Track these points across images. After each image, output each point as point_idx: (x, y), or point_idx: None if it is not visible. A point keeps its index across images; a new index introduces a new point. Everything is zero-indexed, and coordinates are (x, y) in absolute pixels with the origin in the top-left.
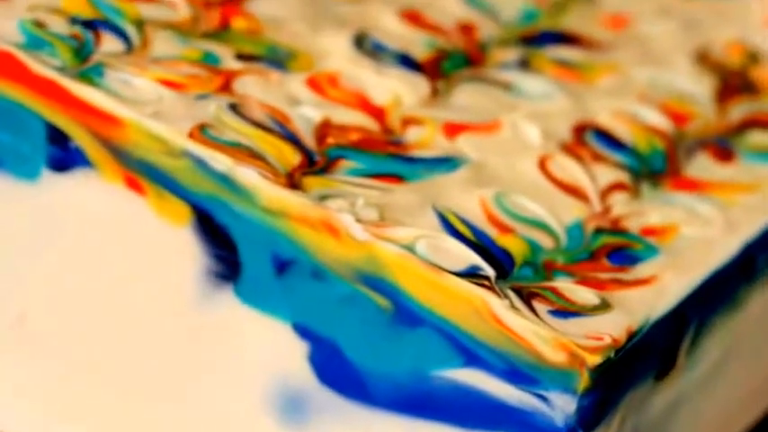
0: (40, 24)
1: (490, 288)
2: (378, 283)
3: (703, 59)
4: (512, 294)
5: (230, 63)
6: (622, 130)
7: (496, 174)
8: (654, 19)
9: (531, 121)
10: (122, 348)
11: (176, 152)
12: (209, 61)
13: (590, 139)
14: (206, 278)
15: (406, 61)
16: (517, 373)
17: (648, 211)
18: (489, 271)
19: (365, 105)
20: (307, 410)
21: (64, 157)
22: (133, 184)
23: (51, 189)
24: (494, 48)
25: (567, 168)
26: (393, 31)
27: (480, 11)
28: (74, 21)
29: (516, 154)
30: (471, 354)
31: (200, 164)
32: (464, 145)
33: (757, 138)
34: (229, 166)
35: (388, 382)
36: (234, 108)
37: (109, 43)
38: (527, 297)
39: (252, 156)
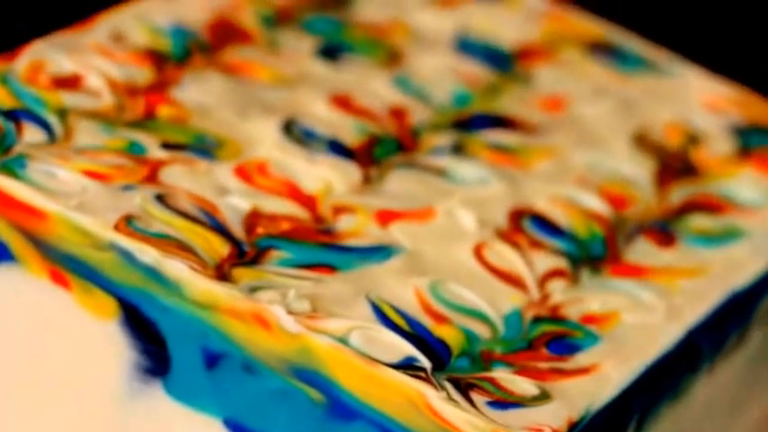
0: None
1: (426, 380)
2: (311, 377)
3: (642, 141)
4: (449, 386)
5: (156, 152)
6: (560, 216)
7: (431, 262)
8: (590, 100)
9: (465, 208)
10: None
11: (102, 245)
12: (134, 151)
13: (527, 225)
14: (134, 374)
15: (337, 148)
16: None
17: (588, 298)
18: (425, 362)
19: (295, 194)
20: None
21: None
22: (58, 279)
23: None
24: (426, 132)
25: (504, 256)
26: (322, 116)
27: (411, 95)
28: None
29: (451, 242)
30: None
31: (127, 256)
32: (397, 233)
33: (698, 221)
34: (157, 258)
35: None
36: (160, 199)
37: (31, 134)
38: (464, 388)
39: (180, 247)
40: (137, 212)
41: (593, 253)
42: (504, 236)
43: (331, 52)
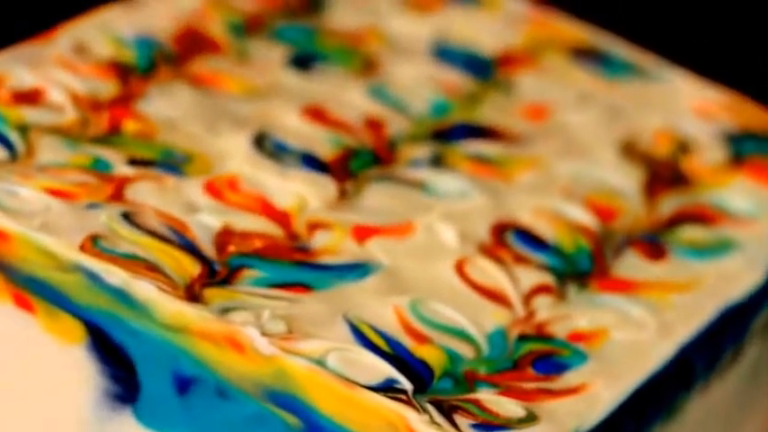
0: None
1: (408, 402)
2: (287, 401)
3: (630, 150)
4: (431, 408)
5: (122, 169)
6: (545, 229)
7: (411, 280)
8: (575, 108)
9: (446, 222)
10: None
11: (67, 266)
12: (99, 167)
13: (510, 239)
14: (102, 400)
15: (311, 161)
16: None
17: (576, 314)
18: (406, 384)
19: (268, 210)
20: None
21: None
22: (22, 302)
23: None
24: (404, 144)
25: (487, 271)
26: (295, 129)
27: (388, 105)
28: None
29: (431, 258)
30: None
31: (94, 278)
32: (375, 249)
33: (690, 233)
34: (125, 279)
35: None
36: (127, 217)
37: None
38: (448, 411)
39: (148, 268)
40: (103, 232)
41: (580, 267)
42: (487, 251)
43: (303, 62)
